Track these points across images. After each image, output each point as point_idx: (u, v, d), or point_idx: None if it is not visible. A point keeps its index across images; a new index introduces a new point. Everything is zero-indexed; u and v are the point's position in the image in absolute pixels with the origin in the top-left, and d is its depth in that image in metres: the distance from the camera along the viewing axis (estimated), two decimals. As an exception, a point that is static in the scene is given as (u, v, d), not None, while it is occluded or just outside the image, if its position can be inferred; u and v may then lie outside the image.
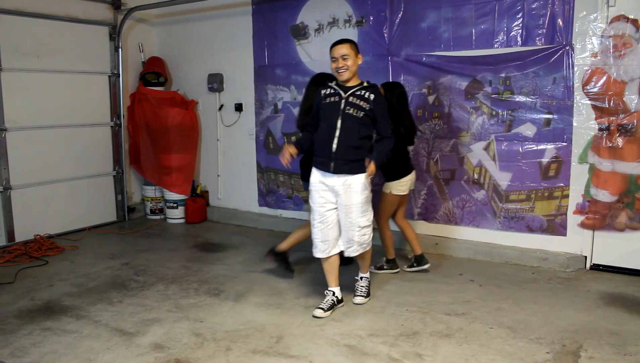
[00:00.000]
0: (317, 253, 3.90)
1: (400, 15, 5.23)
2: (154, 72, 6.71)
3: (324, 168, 3.76)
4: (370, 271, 4.27)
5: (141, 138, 6.73)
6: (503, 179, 4.90)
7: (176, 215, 6.79)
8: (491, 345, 3.33)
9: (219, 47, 6.58)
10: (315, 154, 3.85)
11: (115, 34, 6.51)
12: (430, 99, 5.16)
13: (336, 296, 3.93)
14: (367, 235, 3.83)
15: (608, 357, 3.16)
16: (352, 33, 5.50)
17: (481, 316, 3.72)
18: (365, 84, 3.80)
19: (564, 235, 4.73)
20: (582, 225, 4.67)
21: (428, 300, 4.04)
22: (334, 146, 3.70)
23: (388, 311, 3.86)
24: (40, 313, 3.90)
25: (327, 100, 3.81)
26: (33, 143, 5.79)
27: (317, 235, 3.86)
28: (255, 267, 4.91)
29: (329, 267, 3.95)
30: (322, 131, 3.80)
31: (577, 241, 4.71)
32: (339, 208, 3.79)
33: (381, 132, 3.79)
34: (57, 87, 5.99)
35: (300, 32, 5.86)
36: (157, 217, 6.95)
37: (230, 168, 6.77)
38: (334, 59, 3.72)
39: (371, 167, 3.72)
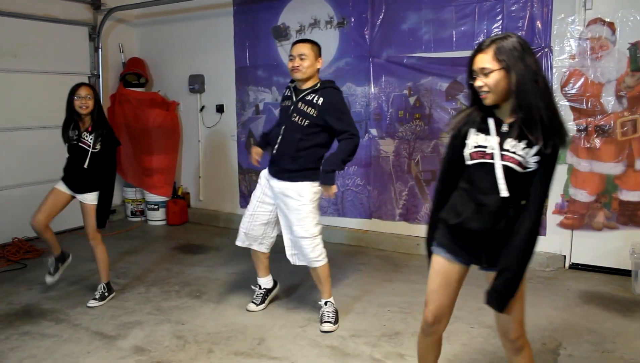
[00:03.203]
0: (237, 241, 3.87)
1: (381, 17, 5.25)
2: (135, 73, 6.66)
3: (269, 169, 3.71)
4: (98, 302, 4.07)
5: (121, 140, 6.64)
6: (483, 179, 4.94)
7: (157, 217, 6.74)
8: (473, 344, 3.35)
9: (200, 48, 6.55)
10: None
11: (95, 34, 6.45)
12: (411, 100, 5.18)
13: (264, 288, 3.98)
14: (308, 247, 3.57)
15: (587, 354, 3.20)
16: (333, 34, 5.51)
17: (463, 316, 3.74)
18: (318, 85, 3.54)
19: (544, 234, 4.78)
20: (561, 225, 4.73)
21: (410, 301, 4.06)
22: (274, 151, 3.62)
23: (370, 312, 3.87)
24: (19, 318, 3.84)
25: (283, 103, 3.69)
26: (11, 144, 5.71)
27: (243, 225, 3.82)
28: (237, 269, 4.89)
29: (254, 259, 3.94)
30: (273, 132, 3.74)
31: (557, 241, 4.76)
32: (279, 210, 3.70)
33: (339, 136, 3.51)
34: (35, 88, 5.92)
35: (282, 33, 5.86)
36: (138, 219, 6.89)
37: (211, 169, 6.74)
38: (291, 57, 3.53)
39: (327, 191, 3.52)
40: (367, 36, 5.35)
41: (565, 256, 4.75)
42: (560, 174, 4.66)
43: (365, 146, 5.45)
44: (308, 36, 5.67)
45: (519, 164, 2.09)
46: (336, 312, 3.71)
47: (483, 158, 2.17)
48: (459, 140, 2.28)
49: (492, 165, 2.14)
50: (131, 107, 6.50)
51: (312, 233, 3.57)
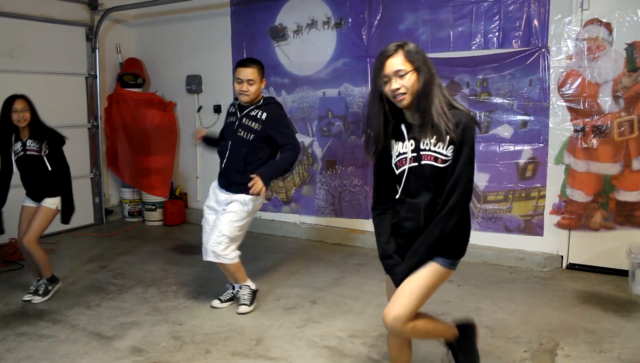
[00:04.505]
0: (203, 257, 3.89)
1: (378, 17, 5.25)
2: (132, 73, 6.65)
3: (219, 181, 3.87)
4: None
5: (119, 140, 6.66)
6: (481, 180, 4.94)
7: (154, 218, 6.74)
8: (470, 344, 3.35)
9: (197, 49, 6.54)
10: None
11: (92, 34, 6.44)
12: (409, 100, 5.18)
13: (237, 290, 4.04)
14: (221, 245, 3.72)
15: (584, 354, 3.21)
16: (330, 35, 5.51)
17: (460, 316, 3.75)
18: (261, 102, 3.77)
19: (541, 235, 4.79)
20: (559, 225, 4.74)
21: (407, 301, 4.06)
22: (223, 165, 3.82)
23: (367, 312, 3.87)
24: (15, 318, 3.83)
25: (228, 119, 3.90)
26: (8, 145, 5.69)
27: (203, 237, 3.91)
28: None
29: (221, 267, 3.93)
30: (220, 146, 3.90)
31: (554, 241, 4.77)
32: (217, 214, 3.82)
33: (282, 148, 3.72)
34: (32, 88, 5.82)
35: (279, 34, 5.86)
36: (135, 219, 6.88)
37: (209, 169, 6.72)
38: (239, 81, 3.67)
39: (257, 184, 3.58)
40: (364, 36, 5.35)
41: (562, 256, 4.76)
42: (557, 174, 4.67)
43: (362, 146, 5.45)
44: (305, 37, 5.68)
45: (436, 159, 2.21)
46: (253, 293, 3.92)
47: (406, 164, 2.27)
48: (384, 154, 2.35)
49: (414, 168, 2.24)
50: (128, 107, 6.49)
51: (230, 231, 3.72)
